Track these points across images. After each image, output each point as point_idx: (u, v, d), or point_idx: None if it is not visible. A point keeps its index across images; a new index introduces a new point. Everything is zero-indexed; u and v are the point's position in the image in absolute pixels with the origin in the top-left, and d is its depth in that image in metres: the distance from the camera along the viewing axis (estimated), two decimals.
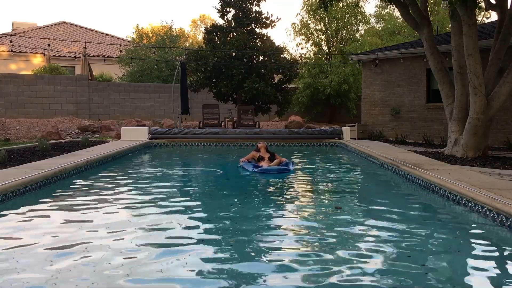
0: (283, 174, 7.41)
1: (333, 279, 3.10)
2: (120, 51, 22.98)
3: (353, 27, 24.44)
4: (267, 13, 19.96)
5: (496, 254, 3.75)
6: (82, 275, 3.11)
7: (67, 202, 5.37)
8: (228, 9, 17.85)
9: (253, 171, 7.53)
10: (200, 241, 3.94)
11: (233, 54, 16.97)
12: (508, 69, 9.27)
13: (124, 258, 3.45)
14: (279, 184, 6.88)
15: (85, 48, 18.67)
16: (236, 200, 5.78)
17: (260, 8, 17.84)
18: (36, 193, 5.54)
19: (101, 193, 5.91)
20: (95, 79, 21.89)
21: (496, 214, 4.34)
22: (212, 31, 17.90)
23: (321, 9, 16.71)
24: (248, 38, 17.07)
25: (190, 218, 4.86)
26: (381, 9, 28.57)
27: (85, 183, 6.51)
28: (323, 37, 24.29)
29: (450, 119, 10.41)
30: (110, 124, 16.82)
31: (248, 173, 7.51)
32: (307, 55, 23.58)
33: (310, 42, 24.26)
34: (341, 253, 3.64)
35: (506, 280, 3.18)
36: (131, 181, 6.93)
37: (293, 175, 7.69)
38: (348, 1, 23.35)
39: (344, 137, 11.89)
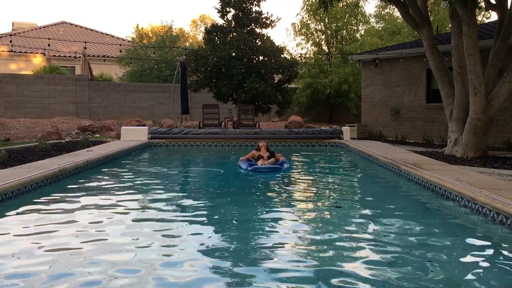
0: (277, 173, 7.46)
1: (334, 279, 3.10)
2: (120, 51, 23.00)
3: (353, 27, 24.45)
4: (267, 13, 19.98)
5: (496, 254, 3.75)
6: (82, 275, 3.11)
7: (67, 202, 5.36)
8: (228, 9, 17.84)
9: (246, 169, 7.62)
10: (200, 241, 3.95)
11: (233, 54, 16.96)
12: (508, 69, 9.27)
13: (124, 258, 3.45)
14: (279, 184, 6.88)
15: (85, 48, 18.68)
16: (236, 199, 5.77)
17: (260, 8, 17.86)
18: (36, 193, 5.54)
19: (101, 193, 5.92)
20: (95, 79, 21.89)
21: (496, 214, 4.34)
22: (212, 31, 17.90)
23: (321, 9, 16.71)
24: (248, 38, 17.07)
25: (190, 217, 4.86)
26: (381, 9, 28.59)
27: (85, 183, 6.51)
28: (323, 37, 24.30)
29: (450, 119, 10.41)
30: (110, 124, 16.81)
31: (249, 172, 7.52)
32: (307, 55, 23.60)
33: (310, 42, 24.28)
34: (341, 252, 3.64)
35: (506, 280, 3.18)
36: (131, 181, 6.92)
37: (294, 175, 7.70)
38: (348, 1, 23.35)
39: (344, 137, 11.87)
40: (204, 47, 18.33)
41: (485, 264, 3.52)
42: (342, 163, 9.59)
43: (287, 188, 6.72)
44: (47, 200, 5.37)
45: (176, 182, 7.36)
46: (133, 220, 4.63)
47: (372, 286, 2.97)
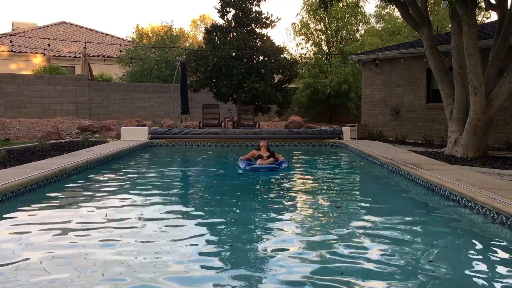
0: (276, 172, 7.47)
1: (335, 279, 3.09)
2: (120, 51, 23.00)
3: (353, 27, 24.46)
4: (267, 13, 19.99)
5: (496, 254, 3.75)
6: (81, 275, 3.11)
7: (67, 203, 5.37)
8: (228, 9, 17.85)
9: (244, 169, 7.63)
10: (200, 240, 3.94)
11: (233, 54, 16.97)
12: (508, 69, 9.27)
13: (123, 258, 3.45)
14: (280, 184, 6.88)
15: (85, 48, 18.68)
16: (236, 199, 5.78)
17: (260, 8, 17.86)
18: (36, 193, 5.54)
19: (101, 193, 5.91)
20: (95, 79, 21.89)
21: (496, 214, 4.34)
22: (212, 31, 17.90)
23: (321, 9, 16.71)
24: (248, 38, 17.07)
25: (190, 217, 4.87)
26: (381, 9, 28.59)
27: (85, 183, 6.51)
28: (323, 37, 24.30)
29: (450, 119, 10.41)
30: (110, 124, 16.81)
31: (248, 172, 7.53)
32: (307, 55, 23.60)
33: (310, 42, 24.29)
34: (341, 252, 3.64)
35: (506, 280, 3.18)
36: (131, 181, 6.92)
37: (294, 175, 7.70)
38: (348, 1, 23.35)
39: (344, 137, 11.88)
40: (204, 47, 18.33)
41: (485, 264, 3.52)
42: (342, 163, 9.59)
43: (287, 188, 6.72)
44: (47, 201, 5.37)
45: (176, 182, 7.36)
46: (133, 220, 4.63)
47: (372, 286, 2.97)
